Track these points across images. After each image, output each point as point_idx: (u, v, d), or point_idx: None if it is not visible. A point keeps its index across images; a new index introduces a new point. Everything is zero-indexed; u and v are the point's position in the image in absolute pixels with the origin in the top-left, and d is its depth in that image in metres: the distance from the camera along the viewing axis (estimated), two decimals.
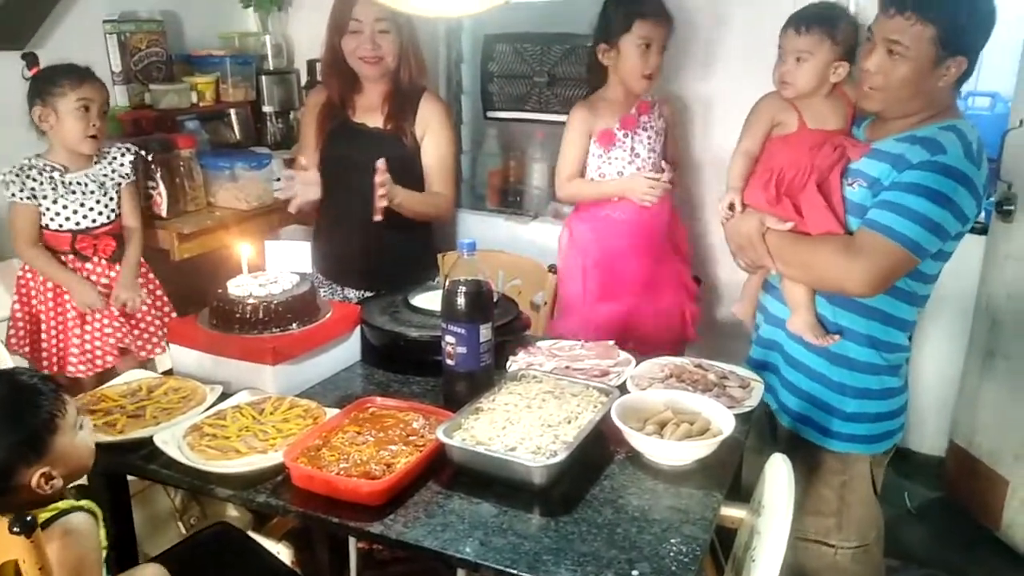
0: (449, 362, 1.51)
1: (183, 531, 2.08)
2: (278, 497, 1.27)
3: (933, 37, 1.47)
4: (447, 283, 1.48)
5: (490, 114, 2.71)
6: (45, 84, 1.94)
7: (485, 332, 1.49)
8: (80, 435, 1.22)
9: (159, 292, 2.17)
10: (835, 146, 1.65)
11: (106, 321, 2.05)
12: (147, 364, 2.18)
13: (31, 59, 1.97)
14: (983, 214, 2.33)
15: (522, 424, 1.36)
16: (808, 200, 1.66)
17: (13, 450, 1.13)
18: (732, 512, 1.45)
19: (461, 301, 1.46)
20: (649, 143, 2.12)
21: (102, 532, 1.23)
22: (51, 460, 1.17)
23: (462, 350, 1.48)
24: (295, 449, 1.31)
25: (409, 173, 2.15)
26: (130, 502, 1.65)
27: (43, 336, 2.00)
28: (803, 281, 1.68)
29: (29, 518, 1.07)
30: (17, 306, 2.02)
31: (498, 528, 1.18)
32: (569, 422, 1.38)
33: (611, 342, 1.83)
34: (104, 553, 1.24)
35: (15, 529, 1.05)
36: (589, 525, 1.19)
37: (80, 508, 1.18)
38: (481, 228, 2.77)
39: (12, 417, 1.14)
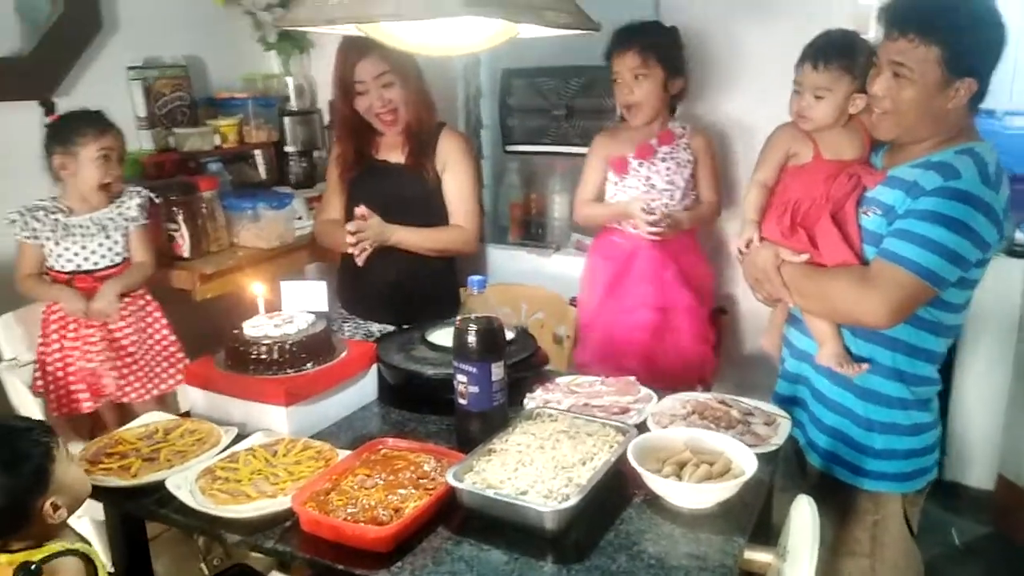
0: (461, 401, 1.48)
1: (206, 572, 2.07)
2: (286, 543, 1.24)
3: (938, 58, 1.43)
4: (458, 321, 1.46)
5: (509, 148, 2.71)
6: (67, 132, 1.99)
7: (497, 371, 1.46)
8: (73, 466, 1.30)
9: (164, 332, 2.17)
10: (850, 175, 1.61)
11: (93, 365, 2.06)
12: (167, 400, 2.20)
13: (49, 107, 2.01)
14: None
15: (535, 466, 1.32)
16: (822, 231, 1.61)
17: (24, 482, 1.20)
18: (758, 556, 1.38)
19: (472, 339, 1.44)
20: (667, 173, 2.08)
21: (101, 568, 1.26)
22: (55, 490, 1.24)
23: (474, 389, 1.45)
24: (303, 493, 1.28)
25: (431, 208, 2.16)
26: (147, 544, 1.65)
27: (51, 375, 2.02)
28: (820, 314, 1.63)
29: (34, 567, 1.07)
30: (43, 348, 2.05)
31: None
32: (584, 463, 1.34)
33: (632, 378, 1.78)
34: None
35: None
36: (602, 573, 1.14)
37: (73, 552, 1.21)
38: (504, 261, 2.76)
39: (16, 453, 1.21)
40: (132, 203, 2.11)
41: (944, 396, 2.42)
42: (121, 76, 2.49)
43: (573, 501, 1.21)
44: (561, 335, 2.33)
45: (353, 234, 2.03)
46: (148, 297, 2.17)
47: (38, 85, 2.25)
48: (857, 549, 1.70)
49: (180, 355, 2.22)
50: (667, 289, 2.06)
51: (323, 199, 2.38)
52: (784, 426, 1.55)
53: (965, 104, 1.49)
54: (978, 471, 2.74)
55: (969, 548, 2.56)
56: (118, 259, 2.09)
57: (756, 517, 1.33)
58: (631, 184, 2.10)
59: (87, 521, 1.76)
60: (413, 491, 1.29)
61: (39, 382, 2.04)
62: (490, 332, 1.45)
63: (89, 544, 1.31)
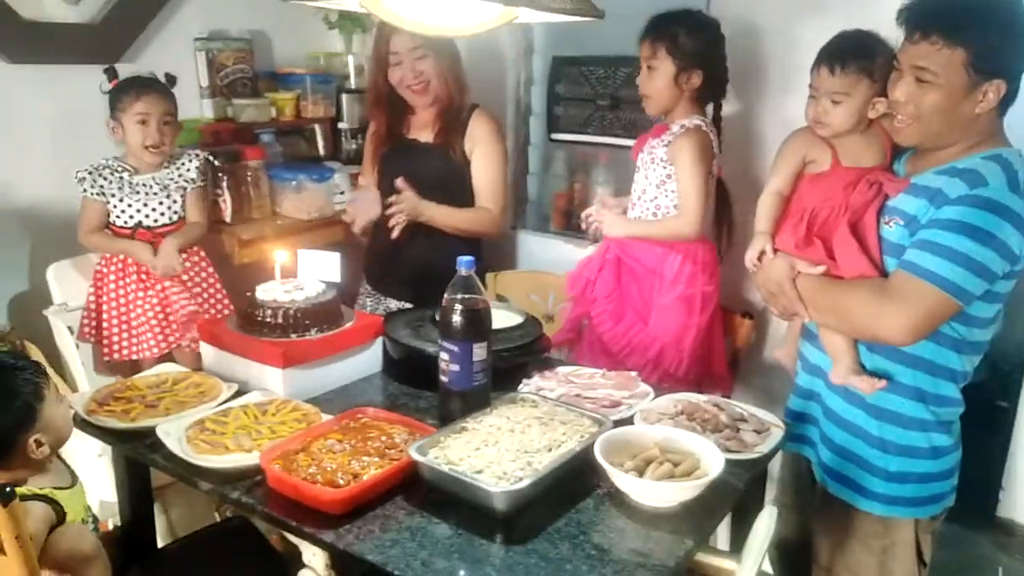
0: (443, 379, 1.50)
1: (218, 520, 2.16)
2: (251, 496, 1.30)
3: (964, 61, 1.35)
4: (444, 300, 1.48)
5: (554, 136, 2.70)
6: (113, 99, 2.12)
7: (479, 351, 1.47)
8: (62, 407, 1.38)
9: (212, 290, 2.27)
10: (870, 183, 1.53)
11: (151, 314, 2.17)
12: None
13: (111, 73, 2.14)
14: None
15: (499, 448, 1.33)
16: (840, 242, 1.55)
17: (11, 416, 1.28)
18: (723, 563, 1.36)
19: (456, 319, 1.45)
20: (643, 168, 2.01)
21: (72, 511, 1.37)
22: (40, 428, 1.32)
23: (455, 368, 1.47)
24: (273, 451, 1.33)
25: (456, 187, 2.19)
26: (150, 490, 1.74)
27: (104, 324, 2.15)
28: (837, 329, 1.57)
29: (8, 489, 1.15)
30: (92, 297, 2.18)
31: (446, 551, 1.16)
32: (550, 450, 1.34)
33: (633, 373, 1.77)
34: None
35: None
36: (539, 558, 1.14)
37: (41, 497, 1.30)
38: (540, 249, 2.76)
39: (6, 389, 1.28)
40: (191, 165, 2.22)
41: (1006, 424, 2.27)
42: (188, 46, 2.62)
43: (523, 484, 1.21)
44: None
45: (389, 206, 2.09)
46: (203, 254, 2.28)
47: (107, 51, 2.38)
48: (862, 574, 1.64)
49: (228, 312, 2.32)
50: (648, 291, 2.01)
51: (360, 175, 2.44)
52: (775, 436, 1.50)
53: (994, 108, 1.40)
54: None
55: None
56: (175, 217, 2.21)
57: (718, 522, 1.30)
58: (636, 178, 2.05)
59: (106, 460, 1.87)
60: (377, 459, 1.33)
61: (86, 329, 2.18)
62: (474, 313, 1.46)
63: (71, 486, 1.40)
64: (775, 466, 1.91)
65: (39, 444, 1.31)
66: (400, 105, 2.24)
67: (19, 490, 1.26)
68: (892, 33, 1.52)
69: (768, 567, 1.47)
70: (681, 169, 1.94)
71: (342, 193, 2.63)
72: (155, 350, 2.15)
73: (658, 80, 1.95)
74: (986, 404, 2.14)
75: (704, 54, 1.93)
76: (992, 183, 1.37)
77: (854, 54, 1.56)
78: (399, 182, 2.08)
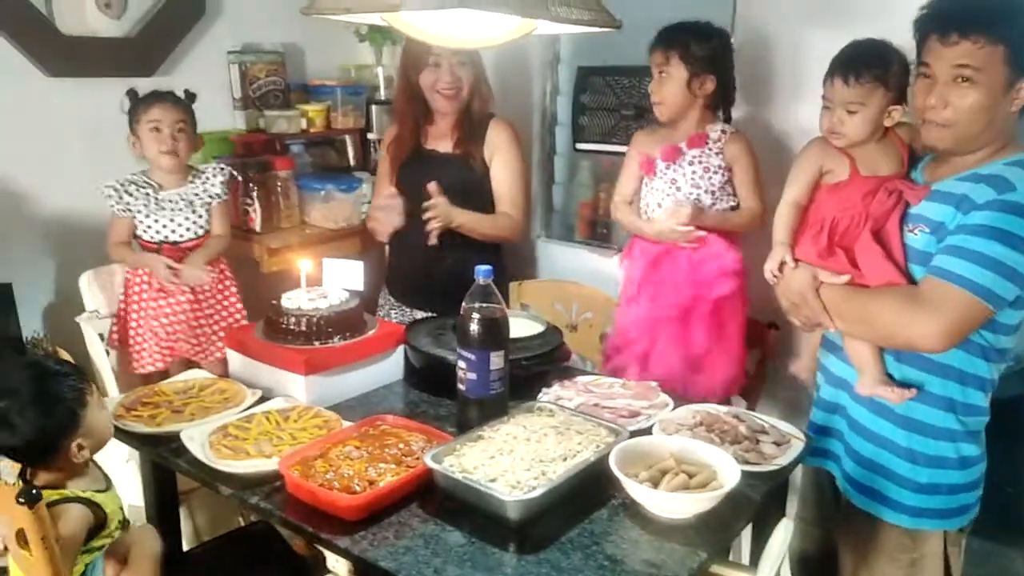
0: (461, 387, 1.51)
1: (242, 524, 2.19)
2: (270, 501, 1.32)
3: (1004, 57, 1.35)
4: (462, 308, 1.49)
5: (579, 146, 2.71)
6: (130, 114, 2.17)
7: (496, 360, 1.48)
8: (104, 412, 1.43)
9: (232, 299, 2.30)
10: (890, 192, 1.51)
11: (174, 326, 2.21)
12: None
13: (132, 95, 2.18)
14: None
15: (514, 456, 1.33)
16: (864, 250, 1.53)
17: (56, 421, 1.32)
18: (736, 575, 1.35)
19: (474, 327, 1.47)
20: (693, 177, 2.01)
21: (113, 519, 1.40)
22: (83, 432, 1.36)
23: (472, 376, 1.48)
24: (292, 457, 1.36)
25: (477, 196, 2.21)
26: (176, 494, 1.78)
27: (131, 333, 2.20)
28: (865, 338, 1.54)
29: (35, 491, 1.19)
30: (122, 306, 2.24)
31: (458, 559, 1.16)
32: (565, 459, 1.34)
33: (654, 383, 1.76)
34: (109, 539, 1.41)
35: (21, 500, 1.17)
36: (551, 568, 1.14)
37: (82, 500, 1.34)
38: (564, 258, 2.76)
39: (52, 395, 1.33)
40: (216, 180, 2.25)
41: None
42: (221, 59, 2.68)
43: (537, 493, 1.22)
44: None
45: (433, 207, 2.11)
46: (223, 266, 2.32)
47: (143, 64, 2.46)
48: None
49: (245, 323, 2.36)
50: (681, 296, 1.99)
51: (376, 186, 2.47)
52: (795, 448, 1.49)
53: (1018, 109, 1.40)
54: None
55: None
56: (201, 231, 2.25)
57: (734, 535, 1.29)
58: (657, 186, 2.05)
59: (134, 464, 1.91)
60: (393, 467, 1.34)
61: (115, 336, 2.24)
62: (492, 321, 1.47)
63: (108, 489, 1.44)
64: (797, 479, 1.88)
65: (80, 448, 1.36)
66: (422, 112, 2.26)
67: (61, 492, 1.32)
68: (905, 41, 1.51)
69: None
70: (744, 168, 2.03)
71: (369, 203, 2.66)
72: (169, 360, 2.21)
73: (672, 86, 1.98)
74: (1022, 419, 2.10)
75: (715, 60, 1.98)
76: (1020, 188, 1.37)
77: (868, 63, 1.55)
78: (432, 187, 2.09)
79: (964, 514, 1.58)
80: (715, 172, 2.00)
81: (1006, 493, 2.66)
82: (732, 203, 2.04)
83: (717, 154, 2.00)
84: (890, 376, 1.54)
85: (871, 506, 1.60)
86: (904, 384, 1.52)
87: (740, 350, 2.05)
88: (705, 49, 1.95)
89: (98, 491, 1.42)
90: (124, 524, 1.46)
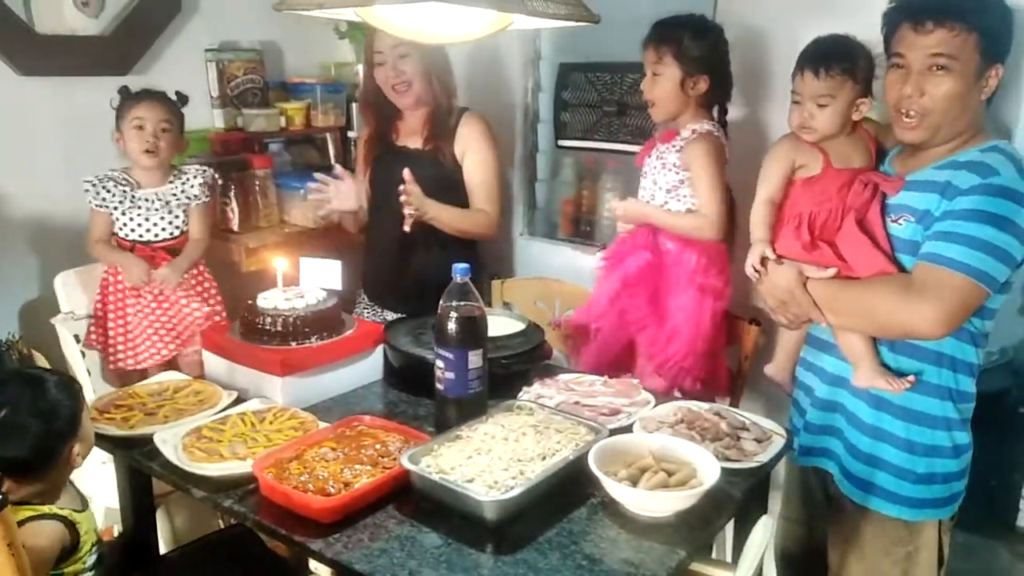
0: (439, 387, 1.50)
1: (220, 525, 2.16)
2: (243, 504, 1.30)
3: (976, 45, 1.38)
4: (439, 307, 1.47)
5: (561, 142, 2.69)
6: (118, 110, 2.15)
7: (475, 359, 1.46)
8: (89, 416, 1.45)
9: (211, 301, 2.26)
10: (864, 183, 1.51)
11: (157, 325, 2.19)
12: None
13: (124, 91, 2.16)
14: None
15: (491, 456, 1.32)
16: (850, 241, 1.52)
17: (59, 428, 1.36)
18: (720, 574, 1.33)
19: (451, 326, 1.45)
20: (652, 173, 1.99)
21: (86, 543, 1.40)
22: (80, 437, 1.39)
23: (450, 375, 1.47)
24: (267, 460, 1.33)
25: (449, 192, 2.18)
26: (151, 494, 1.75)
27: (111, 333, 2.17)
28: (861, 329, 1.54)
29: (1, 496, 1.16)
30: (99, 305, 2.21)
31: (434, 560, 1.15)
32: (544, 459, 1.32)
33: (635, 381, 1.75)
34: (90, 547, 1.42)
35: None
36: (528, 568, 1.13)
37: (59, 517, 1.34)
38: (548, 256, 2.74)
39: (53, 403, 1.35)
40: (195, 181, 2.22)
41: None
42: (198, 57, 2.64)
43: (514, 493, 1.20)
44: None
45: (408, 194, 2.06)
46: (201, 267, 2.29)
47: (118, 63, 2.42)
48: None
49: (224, 323, 2.33)
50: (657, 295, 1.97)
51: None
52: (776, 445, 1.48)
53: (987, 98, 1.43)
54: None
55: None
56: (177, 232, 2.22)
57: (715, 532, 1.28)
58: (644, 183, 2.03)
59: (111, 467, 1.88)
60: (369, 468, 1.32)
61: (93, 336, 2.20)
62: (470, 320, 1.45)
63: (84, 510, 1.43)
64: (780, 477, 1.88)
65: (77, 453, 1.38)
66: (389, 109, 2.24)
67: (37, 509, 1.33)
68: (873, 36, 1.53)
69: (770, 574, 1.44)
70: (698, 173, 1.92)
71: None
72: (156, 358, 2.17)
73: (664, 85, 1.92)
74: (1008, 412, 2.10)
75: (709, 58, 1.91)
76: (1003, 172, 1.38)
77: (837, 56, 1.56)
78: (406, 173, 2.05)
79: (955, 502, 1.59)
80: (670, 170, 1.95)
81: (990, 486, 2.67)
82: (689, 205, 1.96)
83: (676, 152, 1.94)
84: (886, 367, 1.54)
85: (872, 501, 1.60)
86: (902, 374, 1.52)
87: (694, 332, 1.97)
88: (700, 48, 1.88)
89: (75, 511, 1.41)
90: (98, 546, 1.45)
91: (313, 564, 1.90)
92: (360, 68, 2.99)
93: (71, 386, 1.42)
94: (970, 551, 2.48)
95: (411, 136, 2.26)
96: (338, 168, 2.26)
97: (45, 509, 1.34)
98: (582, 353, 2.11)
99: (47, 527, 1.32)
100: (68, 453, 1.38)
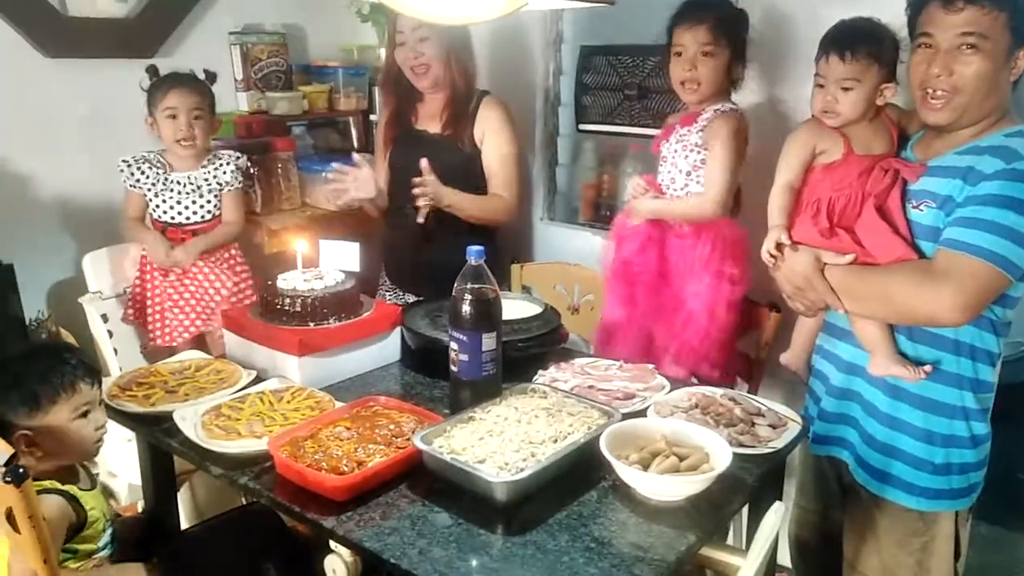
0: (453, 369, 1.50)
1: (243, 503, 2.20)
2: (258, 481, 1.32)
3: (1006, 24, 1.35)
4: (454, 289, 1.48)
5: (582, 126, 2.67)
6: (148, 96, 2.17)
7: (489, 341, 1.47)
8: (79, 423, 1.41)
9: (238, 279, 2.29)
10: (885, 170, 1.49)
11: (182, 303, 2.22)
12: None
13: (151, 71, 2.19)
14: None
15: (503, 438, 1.33)
16: (870, 227, 1.50)
17: (6, 398, 1.33)
18: (730, 559, 1.33)
19: (465, 308, 1.45)
20: (673, 156, 1.96)
21: (96, 520, 1.42)
22: (40, 428, 1.36)
23: (464, 357, 1.47)
24: (282, 438, 1.35)
25: (467, 177, 2.18)
26: (173, 471, 1.79)
27: (148, 310, 2.22)
28: (879, 316, 1.52)
29: (21, 470, 1.19)
30: (138, 282, 2.25)
31: (444, 540, 1.16)
32: (555, 441, 1.33)
33: (651, 366, 1.74)
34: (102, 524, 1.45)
35: (7, 479, 1.17)
36: (537, 549, 1.13)
37: (61, 492, 1.36)
38: (568, 240, 2.73)
39: (21, 372, 1.34)
40: (227, 168, 2.25)
41: None
42: (223, 40, 2.67)
43: (524, 474, 1.21)
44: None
45: (422, 185, 2.07)
46: (234, 251, 2.32)
47: (144, 45, 2.45)
48: (899, 574, 1.59)
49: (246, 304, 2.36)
50: (670, 280, 1.95)
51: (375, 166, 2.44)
52: (792, 431, 1.47)
53: (1015, 79, 1.40)
54: None
55: None
56: (208, 216, 2.25)
57: (727, 517, 1.27)
58: (663, 167, 2.01)
59: (135, 445, 1.92)
60: (383, 447, 1.33)
61: (130, 313, 2.26)
62: (484, 303, 1.46)
63: (91, 489, 1.46)
64: (795, 465, 1.87)
65: (29, 443, 1.37)
66: (409, 91, 2.24)
67: (39, 484, 1.33)
68: (895, 18, 1.50)
69: (785, 562, 1.43)
70: (715, 149, 1.89)
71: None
72: (185, 335, 2.20)
73: (713, 66, 1.88)
74: None
75: (744, 43, 1.92)
76: None
77: (863, 39, 1.53)
78: (423, 163, 2.06)
79: (973, 493, 1.57)
80: (691, 151, 1.93)
81: (1015, 479, 2.63)
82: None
83: (698, 132, 1.92)
84: (903, 355, 1.52)
85: (885, 491, 1.58)
86: (920, 363, 1.50)
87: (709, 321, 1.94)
88: (741, 31, 1.90)
89: (82, 489, 1.44)
90: (110, 527, 1.47)
91: (332, 543, 1.92)
92: (382, 52, 3.00)
93: (59, 371, 1.41)
94: (994, 543, 2.45)
95: (430, 120, 2.26)
96: (355, 155, 2.27)
97: (46, 483, 1.36)
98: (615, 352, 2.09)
99: (50, 500, 1.34)
100: (13, 434, 1.35)
